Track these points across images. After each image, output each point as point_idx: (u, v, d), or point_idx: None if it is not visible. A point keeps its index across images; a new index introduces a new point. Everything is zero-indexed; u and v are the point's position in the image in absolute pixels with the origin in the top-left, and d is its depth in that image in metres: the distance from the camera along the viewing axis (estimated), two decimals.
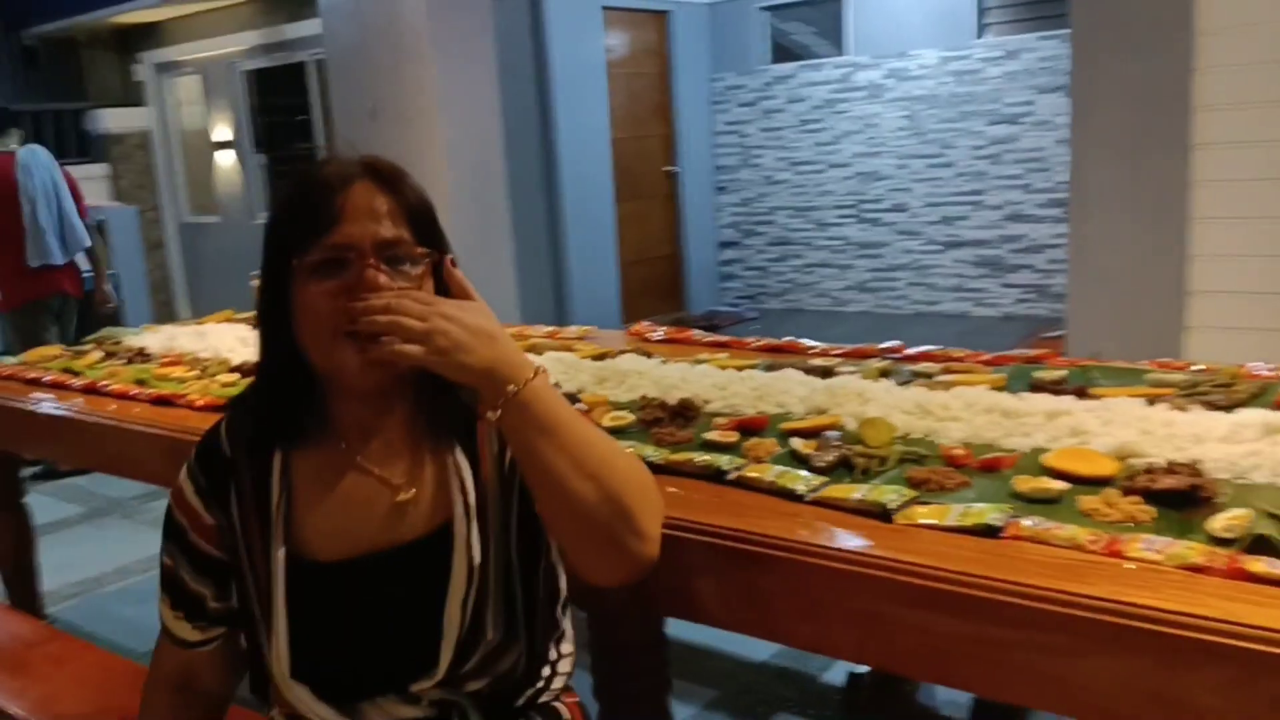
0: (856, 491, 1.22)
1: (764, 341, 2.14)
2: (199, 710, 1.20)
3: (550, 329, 2.51)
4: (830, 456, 1.35)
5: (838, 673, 2.44)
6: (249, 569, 1.11)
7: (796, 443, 1.41)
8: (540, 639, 1.14)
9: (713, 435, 1.50)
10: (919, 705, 2.12)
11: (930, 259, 7.09)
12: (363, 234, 1.02)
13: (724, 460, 1.37)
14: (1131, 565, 1.01)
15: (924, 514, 1.16)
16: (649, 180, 7.62)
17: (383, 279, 1.01)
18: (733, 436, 1.49)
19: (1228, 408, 1.42)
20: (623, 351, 2.06)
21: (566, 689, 1.21)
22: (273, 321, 1.09)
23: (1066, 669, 0.98)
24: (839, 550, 1.11)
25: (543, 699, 1.16)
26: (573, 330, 2.44)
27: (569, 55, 6.72)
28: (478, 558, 1.07)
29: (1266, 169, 4.15)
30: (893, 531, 1.14)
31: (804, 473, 1.30)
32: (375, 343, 0.99)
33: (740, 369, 1.85)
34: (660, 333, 2.33)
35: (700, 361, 1.95)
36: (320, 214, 1.03)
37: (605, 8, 7.01)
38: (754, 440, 1.46)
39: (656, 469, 1.32)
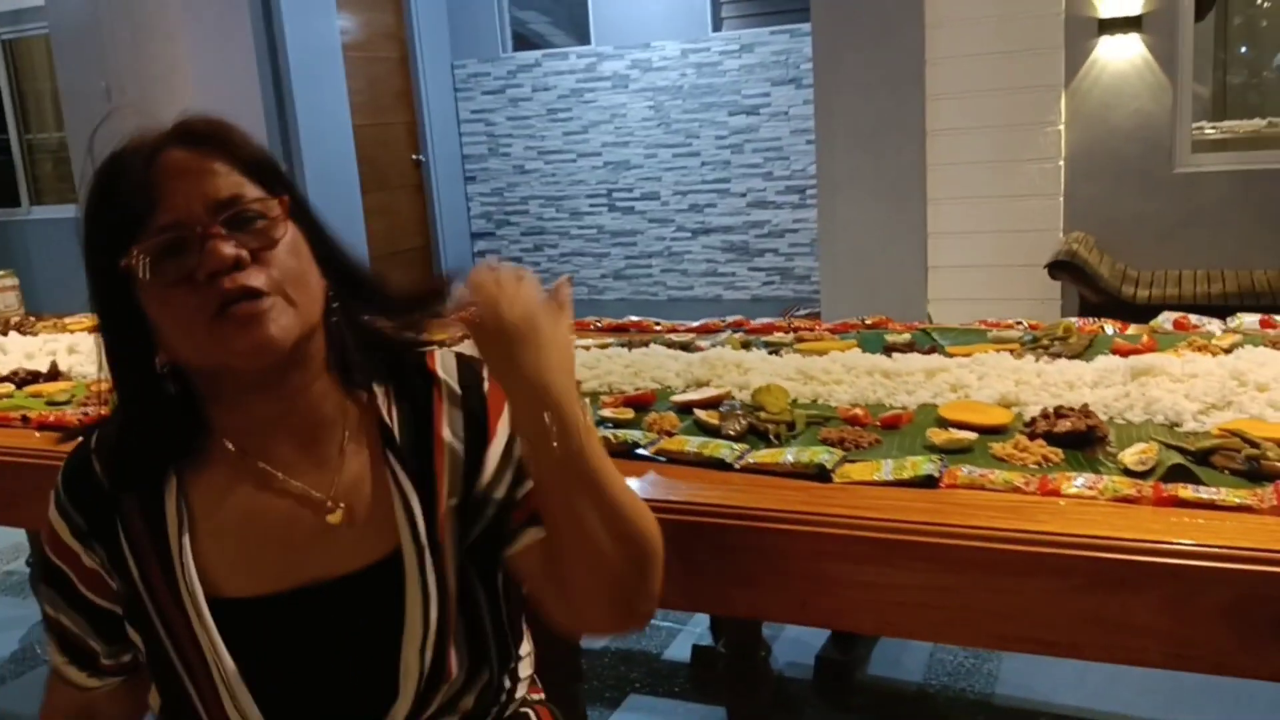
0: (786, 455, 1.22)
1: (607, 321, 2.11)
2: None
3: None
4: (739, 425, 1.34)
5: (680, 647, 2.46)
6: (156, 615, 0.94)
7: (701, 414, 1.40)
8: (508, 658, 1.03)
9: (606, 413, 1.46)
10: (769, 670, 2.18)
11: (682, 245, 7.31)
12: (189, 203, 0.87)
13: (636, 435, 1.33)
14: (1067, 502, 1.07)
15: (856, 471, 1.18)
16: (395, 170, 7.35)
17: (228, 249, 0.86)
18: (627, 413, 1.46)
19: (1071, 357, 1.56)
20: (465, 336, 1.96)
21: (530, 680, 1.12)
22: (119, 340, 0.93)
23: (1020, 604, 1.03)
24: (792, 513, 1.11)
25: (509, 711, 1.05)
26: None
27: (302, 36, 6.32)
28: (434, 594, 0.93)
29: (989, 152, 4.62)
30: (835, 490, 1.16)
31: (725, 442, 1.29)
32: (254, 323, 0.86)
33: (603, 348, 1.81)
34: None
35: None
36: (133, 201, 0.87)
37: None
38: (653, 415, 1.43)
39: None
